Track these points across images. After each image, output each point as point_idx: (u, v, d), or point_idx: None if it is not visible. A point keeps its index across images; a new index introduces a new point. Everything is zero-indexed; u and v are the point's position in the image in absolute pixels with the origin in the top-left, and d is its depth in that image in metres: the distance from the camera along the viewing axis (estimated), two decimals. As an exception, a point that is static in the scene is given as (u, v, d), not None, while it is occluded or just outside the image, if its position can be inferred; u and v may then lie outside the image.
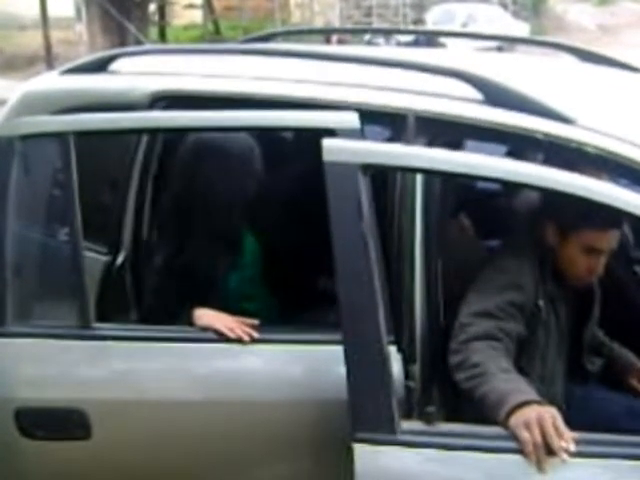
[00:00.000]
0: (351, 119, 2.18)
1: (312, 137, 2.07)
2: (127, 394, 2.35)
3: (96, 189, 2.76)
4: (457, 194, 2.96)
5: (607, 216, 2.03)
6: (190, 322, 2.41)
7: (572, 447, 1.84)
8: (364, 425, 1.91)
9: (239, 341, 2.31)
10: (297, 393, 2.29)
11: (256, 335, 2.32)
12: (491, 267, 2.44)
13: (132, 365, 2.38)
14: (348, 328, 1.94)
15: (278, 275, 2.85)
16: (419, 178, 2.23)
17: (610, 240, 2.42)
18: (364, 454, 1.92)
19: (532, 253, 2.43)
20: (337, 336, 2.22)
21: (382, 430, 1.91)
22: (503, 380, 2.04)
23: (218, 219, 2.63)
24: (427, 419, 1.98)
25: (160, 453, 2.38)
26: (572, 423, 1.93)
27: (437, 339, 2.29)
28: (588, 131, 2.12)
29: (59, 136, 2.32)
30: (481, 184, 3.64)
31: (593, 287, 2.59)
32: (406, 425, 1.96)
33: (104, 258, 2.68)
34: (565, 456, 1.83)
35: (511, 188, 3.32)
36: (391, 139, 2.34)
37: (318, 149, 1.99)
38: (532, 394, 1.99)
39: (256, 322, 2.37)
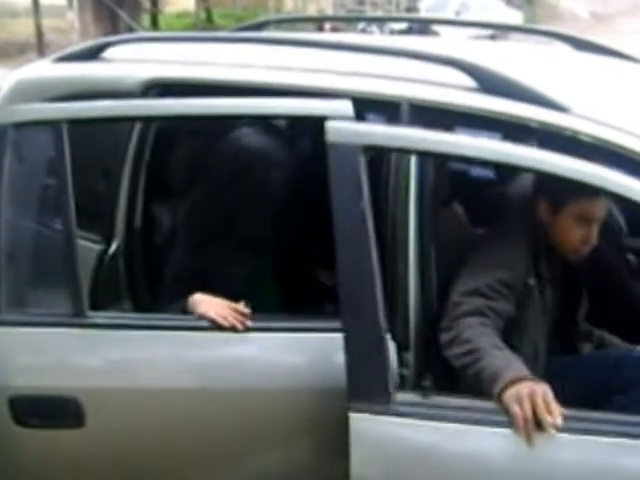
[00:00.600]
0: (345, 107, 2.18)
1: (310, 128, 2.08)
2: (121, 382, 2.35)
3: (89, 177, 2.75)
4: (451, 181, 2.96)
5: None
6: (185, 308, 2.41)
7: (560, 422, 1.88)
8: (360, 395, 1.98)
9: (233, 329, 2.32)
10: (293, 381, 2.28)
11: (250, 323, 2.32)
12: (483, 247, 2.47)
13: (126, 353, 2.38)
14: (346, 302, 2.01)
15: (283, 269, 2.86)
16: (413, 165, 2.23)
17: (601, 208, 2.46)
18: (359, 423, 1.98)
19: (524, 233, 2.46)
20: (332, 323, 2.23)
21: (377, 400, 1.98)
22: (496, 357, 2.08)
23: (248, 227, 2.64)
24: (422, 391, 2.04)
25: (154, 441, 2.38)
26: (563, 387, 1.99)
27: (431, 327, 2.29)
28: (582, 119, 2.12)
29: (52, 124, 2.32)
30: (475, 172, 3.66)
31: (582, 269, 2.61)
32: (401, 397, 2.02)
33: (97, 246, 2.67)
34: (553, 431, 1.88)
35: (505, 176, 3.33)
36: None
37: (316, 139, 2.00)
38: (525, 370, 2.04)
39: (248, 310, 2.36)
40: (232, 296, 2.42)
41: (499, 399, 1.96)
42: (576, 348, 2.67)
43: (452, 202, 3.00)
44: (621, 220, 3.09)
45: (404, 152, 2.18)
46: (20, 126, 2.40)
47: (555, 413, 1.90)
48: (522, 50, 3.17)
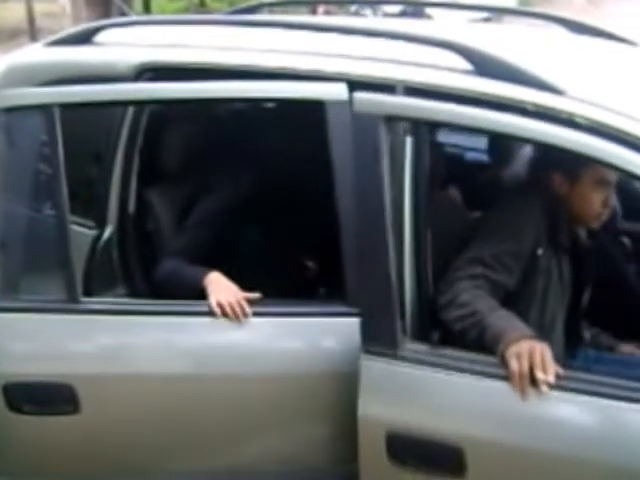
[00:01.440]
0: (340, 90, 2.19)
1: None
2: (115, 368, 2.34)
3: (82, 162, 2.73)
4: (446, 165, 2.95)
5: None
6: (201, 283, 2.41)
7: (552, 380, 1.94)
8: (370, 343, 2.11)
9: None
10: (286, 366, 2.28)
11: (248, 312, 2.30)
12: (493, 216, 2.49)
13: (120, 339, 2.37)
14: (361, 257, 2.13)
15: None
16: (409, 148, 2.22)
17: None
18: (368, 367, 2.10)
19: (533, 206, 2.44)
20: (325, 309, 2.27)
21: (386, 348, 2.10)
22: (497, 318, 2.14)
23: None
24: (428, 342, 2.16)
25: (149, 427, 2.37)
26: None
27: (427, 311, 2.29)
28: (578, 102, 2.11)
29: (44, 108, 2.29)
30: (469, 155, 3.66)
31: (591, 252, 2.63)
32: (408, 346, 2.12)
33: (91, 232, 2.65)
34: (545, 388, 1.94)
35: (500, 159, 3.32)
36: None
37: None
38: (526, 329, 2.10)
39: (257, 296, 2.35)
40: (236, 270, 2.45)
41: (502, 358, 2.02)
42: (580, 335, 2.67)
43: (448, 185, 2.99)
44: (616, 203, 3.08)
45: (423, 123, 2.24)
46: (12, 111, 2.38)
47: (549, 371, 1.95)
48: (517, 33, 3.15)
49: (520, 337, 2.03)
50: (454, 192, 2.98)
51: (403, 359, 2.10)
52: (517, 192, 2.61)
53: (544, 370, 1.95)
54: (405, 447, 2.08)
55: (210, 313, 2.31)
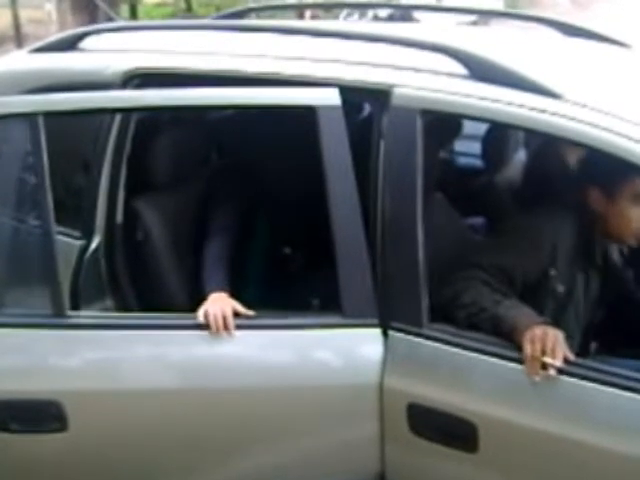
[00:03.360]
0: (332, 96, 2.16)
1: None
2: (104, 384, 2.29)
3: (69, 171, 2.68)
4: (438, 170, 2.93)
5: None
6: (206, 296, 2.38)
7: (558, 365, 1.99)
8: (398, 319, 2.21)
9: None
10: (276, 380, 2.24)
11: (230, 327, 2.25)
12: (507, 228, 2.50)
13: (108, 354, 2.31)
14: (392, 241, 2.21)
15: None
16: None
17: None
18: (395, 341, 2.21)
19: (562, 224, 2.40)
20: (318, 320, 2.26)
21: (412, 325, 2.19)
22: (504, 310, 2.17)
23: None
24: (451, 324, 2.22)
25: (139, 444, 2.32)
26: None
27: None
28: (575, 106, 2.07)
29: (28, 117, 2.24)
30: (461, 162, 3.63)
31: (619, 270, 2.62)
32: (431, 325, 2.20)
33: (78, 243, 2.60)
34: (552, 372, 1.99)
35: (492, 165, 3.30)
36: (375, 114, 2.30)
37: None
38: (536, 316, 2.15)
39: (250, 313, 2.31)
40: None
41: (519, 345, 2.07)
42: (586, 348, 2.63)
43: (436, 191, 2.96)
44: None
45: (455, 116, 2.37)
46: (-5, 119, 2.33)
47: (558, 356, 2.00)
48: (511, 36, 3.12)
49: (532, 323, 2.08)
50: (439, 196, 2.94)
51: (426, 337, 2.17)
52: (541, 208, 2.52)
53: (553, 355, 2.00)
54: (423, 418, 2.16)
55: (199, 326, 2.25)
